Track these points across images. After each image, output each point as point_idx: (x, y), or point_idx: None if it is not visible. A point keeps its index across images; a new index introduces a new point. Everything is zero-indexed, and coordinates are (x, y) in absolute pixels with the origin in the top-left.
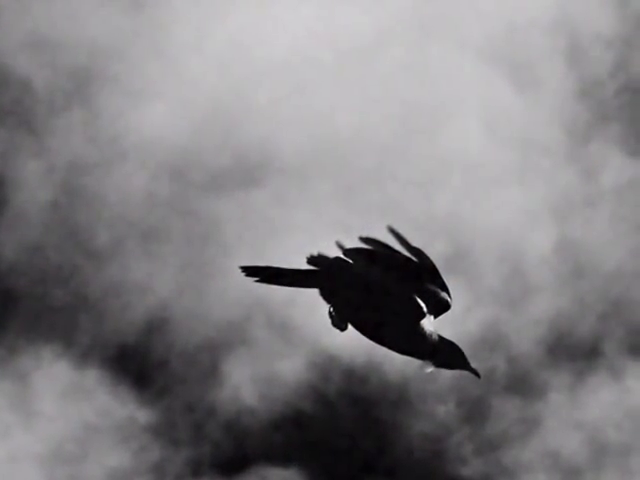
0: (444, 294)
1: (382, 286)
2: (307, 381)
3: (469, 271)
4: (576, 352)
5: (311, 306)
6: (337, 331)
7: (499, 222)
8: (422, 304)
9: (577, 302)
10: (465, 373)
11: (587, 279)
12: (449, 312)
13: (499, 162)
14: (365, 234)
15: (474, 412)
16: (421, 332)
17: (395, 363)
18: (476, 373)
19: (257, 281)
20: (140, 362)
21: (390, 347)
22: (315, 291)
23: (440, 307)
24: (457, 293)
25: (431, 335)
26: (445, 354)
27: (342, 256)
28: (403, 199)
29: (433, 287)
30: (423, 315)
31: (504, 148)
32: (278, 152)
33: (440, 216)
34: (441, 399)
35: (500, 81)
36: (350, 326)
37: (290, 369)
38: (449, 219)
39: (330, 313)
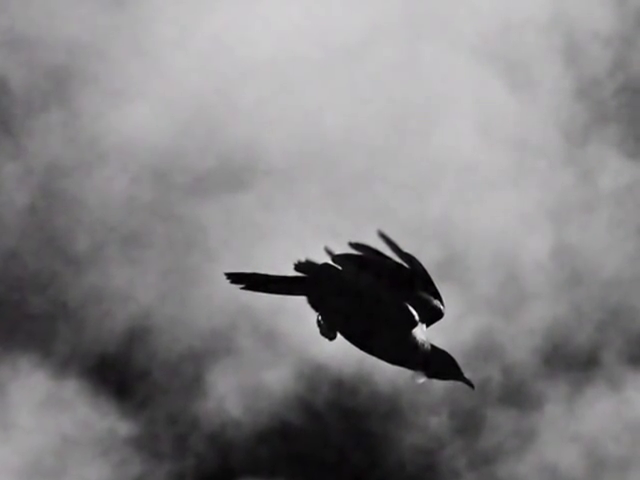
0: (437, 302)
1: (372, 293)
2: (294, 392)
3: (462, 277)
4: (573, 362)
5: (299, 314)
6: (326, 340)
7: (493, 226)
8: (414, 312)
9: (574, 310)
10: (458, 384)
11: (585, 286)
12: (442, 320)
13: (493, 164)
14: (354, 239)
15: (468, 424)
16: (413, 341)
17: (386, 373)
18: (469, 384)
19: (243, 288)
20: (121, 372)
21: (381, 357)
22: (303, 299)
23: (432, 315)
24: (450, 300)
25: (423, 344)
26: (438, 364)
27: (331, 262)
28: (394, 202)
29: (425, 294)
30: (415, 323)
31: (498, 150)
32: (264, 154)
33: (432, 220)
34: (433, 411)
35: (494, 80)
36: (339, 335)
37: (277, 379)
38: (441, 223)
39: (318, 321)
